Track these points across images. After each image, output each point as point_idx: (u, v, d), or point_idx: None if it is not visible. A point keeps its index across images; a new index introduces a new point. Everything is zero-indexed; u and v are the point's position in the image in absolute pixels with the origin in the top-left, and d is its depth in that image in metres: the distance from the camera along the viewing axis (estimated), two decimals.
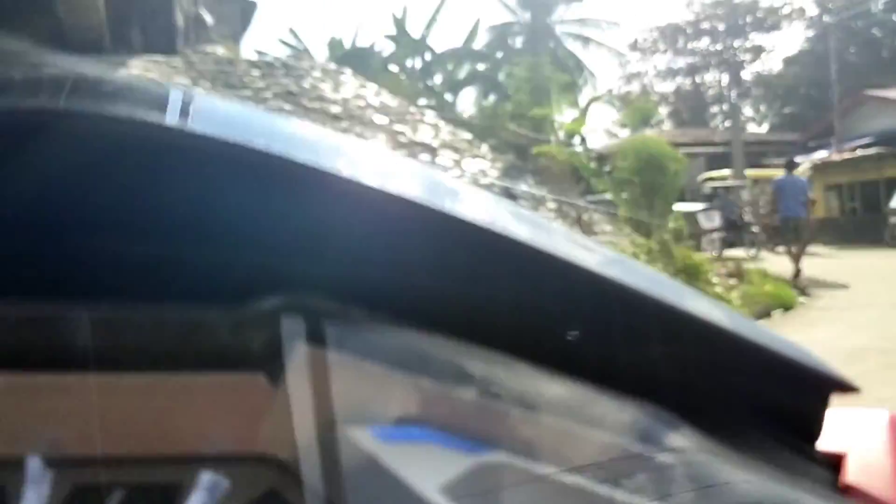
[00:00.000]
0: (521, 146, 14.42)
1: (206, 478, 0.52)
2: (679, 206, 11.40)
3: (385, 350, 0.54)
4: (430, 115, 13.57)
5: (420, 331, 0.53)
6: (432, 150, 11.28)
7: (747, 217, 15.50)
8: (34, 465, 0.50)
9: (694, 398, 0.59)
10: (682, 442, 0.58)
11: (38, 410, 0.51)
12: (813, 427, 0.74)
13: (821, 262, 12.03)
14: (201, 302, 0.52)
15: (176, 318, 0.52)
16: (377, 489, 0.51)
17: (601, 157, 13.21)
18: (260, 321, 0.53)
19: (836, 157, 21.60)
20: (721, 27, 37.21)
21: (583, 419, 0.57)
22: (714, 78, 39.12)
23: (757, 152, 23.57)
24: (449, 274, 0.55)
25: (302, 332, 0.53)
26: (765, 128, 36.24)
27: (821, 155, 22.65)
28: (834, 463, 0.75)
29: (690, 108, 37.67)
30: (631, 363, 0.56)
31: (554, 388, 0.55)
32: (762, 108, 38.31)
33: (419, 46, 24.91)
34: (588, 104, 18.92)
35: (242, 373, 0.55)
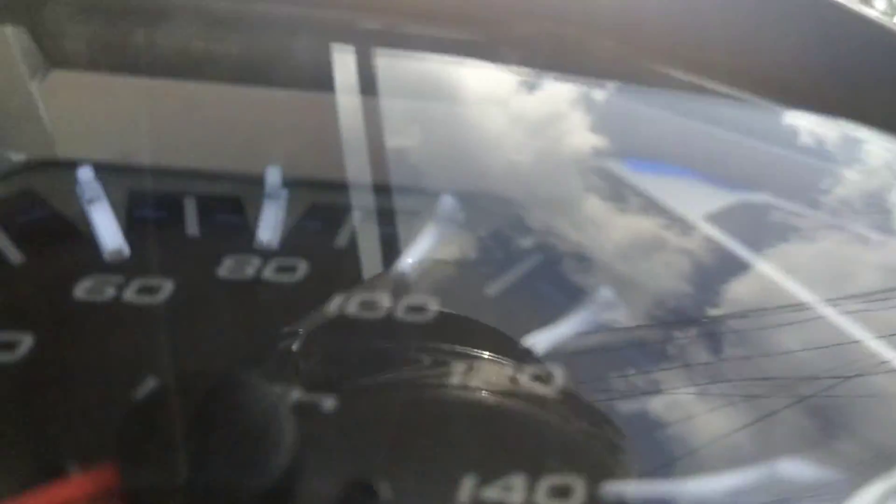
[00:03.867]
0: None
1: (441, 209, 0.49)
2: None
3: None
4: None
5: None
6: None
7: None
8: (273, 180, 0.48)
9: None
10: None
11: (280, 127, 0.49)
12: None
13: None
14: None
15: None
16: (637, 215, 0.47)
17: None
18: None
19: None
20: None
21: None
22: None
23: None
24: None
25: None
26: None
27: None
28: None
29: None
30: None
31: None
32: None
33: None
34: None
35: (479, 105, 0.52)
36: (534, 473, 0.36)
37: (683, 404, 0.42)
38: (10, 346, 0.38)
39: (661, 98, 0.50)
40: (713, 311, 0.45)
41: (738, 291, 0.45)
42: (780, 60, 0.51)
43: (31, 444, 0.35)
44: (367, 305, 0.43)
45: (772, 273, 0.45)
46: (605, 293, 0.45)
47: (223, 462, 0.31)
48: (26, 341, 0.38)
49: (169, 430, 0.32)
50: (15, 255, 0.43)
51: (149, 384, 0.37)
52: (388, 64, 0.52)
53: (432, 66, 0.52)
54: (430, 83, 0.51)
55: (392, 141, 0.50)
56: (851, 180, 0.53)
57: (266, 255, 0.45)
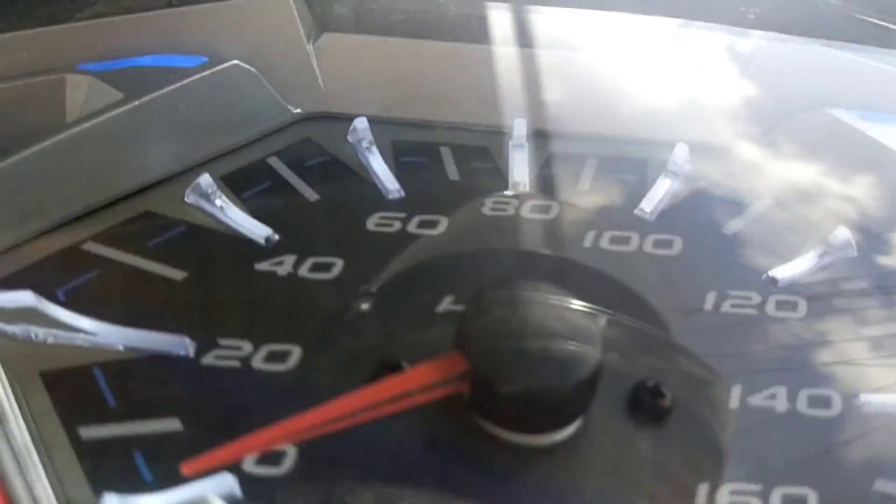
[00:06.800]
0: None
1: (675, 157, 0.53)
2: None
3: None
4: None
5: None
6: None
7: None
8: (519, 132, 0.53)
9: None
10: None
11: (523, 83, 0.54)
12: None
13: None
14: None
15: None
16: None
17: None
18: None
19: None
20: None
21: None
22: None
23: None
24: None
25: None
26: None
27: None
28: None
29: None
30: None
31: None
32: None
33: None
34: None
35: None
36: (794, 385, 0.40)
37: None
38: (326, 267, 0.44)
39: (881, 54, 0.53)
40: None
41: None
42: None
43: (366, 346, 0.40)
44: (619, 240, 0.47)
45: None
46: (843, 233, 0.48)
47: (547, 362, 0.36)
48: (338, 264, 0.44)
49: (499, 331, 0.36)
50: (310, 194, 0.49)
51: (447, 300, 0.42)
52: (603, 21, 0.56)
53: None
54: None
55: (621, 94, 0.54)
56: None
57: (520, 197, 0.50)
